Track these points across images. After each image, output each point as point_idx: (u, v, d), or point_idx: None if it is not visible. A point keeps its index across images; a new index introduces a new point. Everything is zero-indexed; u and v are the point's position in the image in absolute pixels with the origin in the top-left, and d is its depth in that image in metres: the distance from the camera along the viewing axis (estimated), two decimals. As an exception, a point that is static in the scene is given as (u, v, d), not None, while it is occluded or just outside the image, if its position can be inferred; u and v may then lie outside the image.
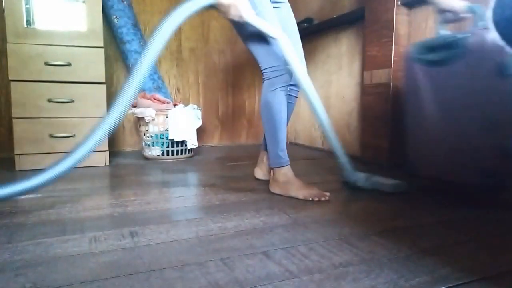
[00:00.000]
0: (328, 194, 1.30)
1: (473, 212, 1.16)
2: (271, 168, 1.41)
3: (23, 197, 1.31)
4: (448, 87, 1.23)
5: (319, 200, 1.27)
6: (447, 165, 1.28)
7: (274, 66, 1.31)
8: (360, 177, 1.43)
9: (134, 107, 2.15)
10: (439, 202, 1.29)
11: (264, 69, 1.34)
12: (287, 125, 1.42)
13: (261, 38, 1.29)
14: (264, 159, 1.60)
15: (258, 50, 1.33)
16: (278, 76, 1.31)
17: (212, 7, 1.18)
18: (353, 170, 1.44)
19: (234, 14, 1.19)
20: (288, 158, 1.38)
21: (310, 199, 1.28)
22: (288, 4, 1.47)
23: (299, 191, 1.31)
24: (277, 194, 1.36)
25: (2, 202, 1.24)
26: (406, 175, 1.50)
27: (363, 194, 1.42)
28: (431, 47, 1.29)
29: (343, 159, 1.41)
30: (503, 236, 0.97)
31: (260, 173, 1.62)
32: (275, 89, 1.32)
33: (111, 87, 2.47)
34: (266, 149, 1.56)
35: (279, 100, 1.33)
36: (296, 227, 1.02)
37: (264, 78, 1.35)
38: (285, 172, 1.36)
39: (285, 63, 1.30)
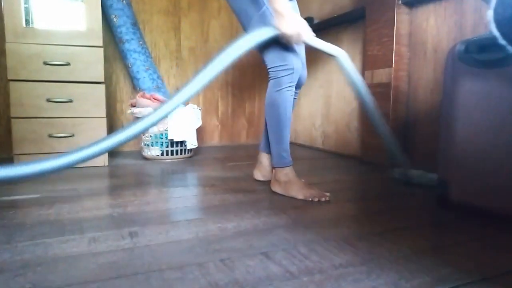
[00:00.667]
0: (328, 194, 1.29)
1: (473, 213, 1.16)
2: (273, 168, 1.41)
3: (23, 197, 1.31)
4: (503, 93, 1.04)
5: (319, 201, 1.27)
6: (495, 192, 1.06)
7: (281, 66, 1.30)
8: (415, 174, 1.51)
9: (133, 106, 2.14)
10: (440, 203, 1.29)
11: (270, 67, 1.33)
12: None
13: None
14: (263, 160, 1.58)
15: (266, 49, 1.31)
16: (285, 75, 1.30)
17: (277, 36, 1.22)
18: (408, 168, 1.49)
19: (297, 40, 1.24)
20: (291, 159, 1.38)
21: (310, 199, 1.28)
22: (296, 3, 1.46)
23: (300, 191, 1.31)
24: (278, 194, 1.36)
25: (2, 202, 1.23)
26: (434, 198, 1.27)
27: (363, 194, 1.42)
28: (484, 45, 1.09)
29: (400, 157, 1.44)
30: (503, 236, 0.97)
31: (259, 174, 1.61)
32: (281, 88, 1.31)
33: (110, 86, 2.46)
34: (265, 151, 1.56)
35: (284, 99, 1.32)
36: (296, 227, 1.01)
37: (270, 77, 1.35)
38: (287, 173, 1.36)
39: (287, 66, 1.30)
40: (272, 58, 1.31)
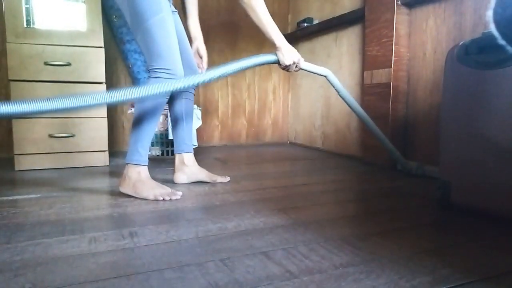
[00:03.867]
0: (180, 193, 1.30)
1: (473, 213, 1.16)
2: (126, 163, 1.32)
3: (23, 197, 1.31)
4: (503, 94, 1.04)
5: (170, 199, 1.27)
6: (495, 193, 1.05)
7: (164, 69, 1.26)
8: (413, 166, 1.72)
9: (133, 107, 2.14)
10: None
11: (152, 67, 1.27)
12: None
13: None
14: (185, 161, 1.53)
15: (148, 44, 1.27)
16: (166, 79, 1.25)
17: (275, 63, 1.38)
18: (405, 160, 1.75)
19: (295, 68, 1.40)
20: (147, 159, 1.33)
21: (161, 198, 1.26)
22: (177, 14, 1.47)
23: (151, 191, 1.28)
24: (277, 194, 1.36)
25: (3, 201, 1.23)
26: (435, 200, 1.25)
27: (363, 194, 1.42)
28: (484, 46, 1.09)
29: (395, 152, 1.70)
30: (504, 237, 0.97)
31: (184, 177, 1.53)
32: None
33: (111, 87, 2.47)
34: (184, 151, 1.52)
35: (161, 101, 1.30)
36: (296, 227, 1.02)
37: (150, 76, 1.29)
38: (140, 171, 1.31)
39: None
40: (155, 58, 1.26)
